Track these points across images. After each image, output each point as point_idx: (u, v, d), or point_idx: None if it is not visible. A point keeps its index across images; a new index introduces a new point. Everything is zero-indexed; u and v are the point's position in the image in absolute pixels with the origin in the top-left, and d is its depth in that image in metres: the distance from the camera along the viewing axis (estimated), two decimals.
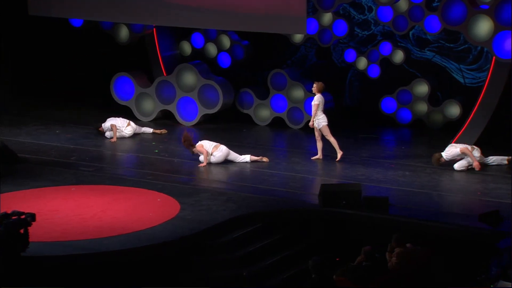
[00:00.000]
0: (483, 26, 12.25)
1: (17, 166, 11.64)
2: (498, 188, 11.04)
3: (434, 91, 14.26)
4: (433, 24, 12.97)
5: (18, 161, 11.87)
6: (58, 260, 8.61)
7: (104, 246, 8.93)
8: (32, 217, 7.49)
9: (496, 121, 12.93)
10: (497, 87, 12.82)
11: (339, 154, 12.21)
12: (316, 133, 12.26)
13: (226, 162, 12.24)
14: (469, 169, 11.71)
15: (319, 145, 12.25)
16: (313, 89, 12.34)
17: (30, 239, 7.53)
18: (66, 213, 9.94)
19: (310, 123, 12.20)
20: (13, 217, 7.32)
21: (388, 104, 14.49)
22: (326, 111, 14.38)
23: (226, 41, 15.02)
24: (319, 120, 12.14)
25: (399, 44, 14.36)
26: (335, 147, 12.21)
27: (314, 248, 9.79)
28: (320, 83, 12.39)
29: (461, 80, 14.31)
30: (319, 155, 12.28)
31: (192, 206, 10.20)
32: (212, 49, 15.12)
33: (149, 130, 13.92)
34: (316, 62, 15.30)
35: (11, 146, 12.19)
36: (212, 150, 11.96)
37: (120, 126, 13.55)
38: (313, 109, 12.14)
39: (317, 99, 12.15)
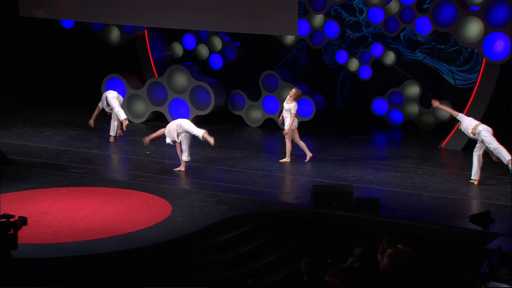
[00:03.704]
0: (474, 28, 12.30)
1: (7, 168, 11.58)
2: (489, 189, 11.07)
3: (425, 93, 14.31)
4: (424, 26, 13.02)
5: (7, 162, 11.81)
6: (48, 262, 8.57)
7: (95, 248, 8.90)
8: (23, 221, 7.46)
9: (487, 122, 12.96)
10: (488, 88, 12.88)
11: (288, 159, 12.15)
12: (295, 136, 12.17)
13: (218, 163, 12.25)
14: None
15: (302, 144, 12.23)
16: (292, 95, 11.98)
17: (20, 241, 7.50)
18: (57, 215, 9.90)
19: (285, 132, 12.02)
20: (2, 220, 7.29)
21: (380, 105, 14.52)
22: (318, 112, 14.47)
23: (217, 43, 15.02)
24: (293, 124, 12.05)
25: (390, 45, 14.40)
26: (287, 151, 12.15)
27: (306, 249, 9.79)
28: (300, 90, 12.22)
29: (452, 82, 14.36)
30: (308, 154, 12.24)
31: (184, 208, 10.19)
32: (203, 50, 15.12)
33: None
34: (307, 64, 15.32)
35: (0, 148, 12.13)
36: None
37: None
38: (292, 118, 11.92)
39: (295, 108, 11.96)
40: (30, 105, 15.91)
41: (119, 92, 14.80)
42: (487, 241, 8.82)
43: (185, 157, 11.61)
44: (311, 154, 12.24)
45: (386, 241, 8.59)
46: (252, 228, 9.93)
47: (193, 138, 11.68)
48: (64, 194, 10.72)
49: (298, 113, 14.19)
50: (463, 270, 7.88)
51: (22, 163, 12.05)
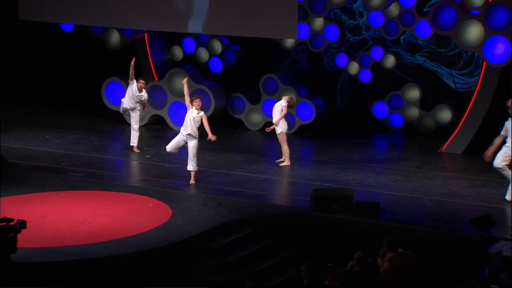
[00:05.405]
0: (474, 31, 12.29)
1: (6, 172, 11.56)
2: (489, 192, 11.06)
3: (426, 96, 14.30)
4: (424, 29, 13.02)
5: (7, 166, 11.79)
6: (48, 266, 8.55)
7: (94, 251, 8.88)
8: (22, 224, 7.45)
9: (487, 126, 12.96)
10: (488, 92, 12.87)
11: (287, 162, 12.16)
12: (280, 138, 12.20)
13: (218, 167, 12.23)
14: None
15: (286, 149, 12.20)
16: (287, 103, 12.11)
17: (20, 245, 7.49)
18: (56, 218, 9.88)
19: (271, 128, 12.13)
20: (1, 223, 7.28)
21: (380, 108, 14.52)
22: (318, 115, 14.46)
23: (217, 46, 15.01)
24: (282, 125, 12.06)
25: (390, 49, 14.39)
26: (286, 155, 12.16)
27: (306, 253, 9.77)
28: (291, 98, 12.32)
29: (452, 85, 14.35)
30: (286, 160, 12.19)
31: (184, 212, 10.17)
32: (203, 53, 15.12)
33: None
34: (307, 67, 15.32)
35: (0, 151, 12.12)
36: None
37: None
38: (280, 116, 11.98)
39: (285, 108, 12.04)
40: (30, 107, 15.90)
41: (119, 95, 14.81)
42: (488, 245, 8.80)
43: (190, 166, 11.37)
44: (289, 163, 12.17)
45: (387, 244, 8.56)
46: (252, 232, 9.92)
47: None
48: (63, 197, 10.70)
49: (298, 117, 14.25)
50: (464, 274, 7.87)
51: (22, 166, 12.03)
